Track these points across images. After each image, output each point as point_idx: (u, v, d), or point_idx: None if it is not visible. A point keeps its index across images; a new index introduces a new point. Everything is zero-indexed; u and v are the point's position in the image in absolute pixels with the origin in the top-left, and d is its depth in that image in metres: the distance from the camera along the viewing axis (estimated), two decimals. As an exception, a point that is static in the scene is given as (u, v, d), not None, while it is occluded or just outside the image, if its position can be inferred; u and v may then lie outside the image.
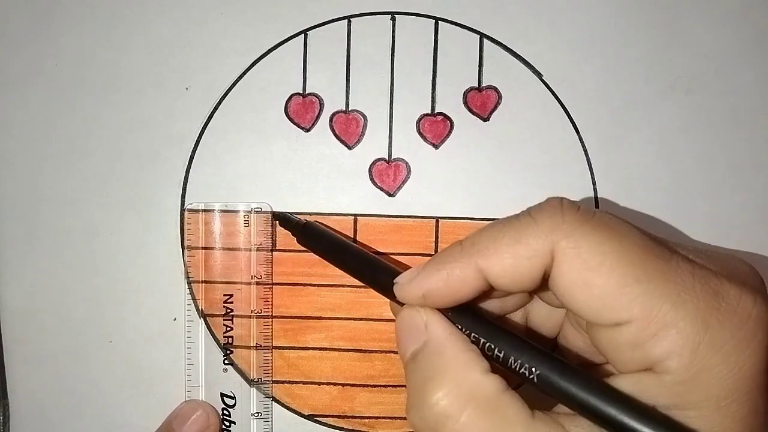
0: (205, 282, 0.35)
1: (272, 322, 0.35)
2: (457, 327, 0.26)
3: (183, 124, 0.35)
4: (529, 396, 0.24)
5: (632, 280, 0.22)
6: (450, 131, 0.34)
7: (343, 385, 0.35)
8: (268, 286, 0.35)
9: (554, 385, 0.23)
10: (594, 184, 0.34)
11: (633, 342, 0.23)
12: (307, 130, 0.35)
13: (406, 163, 0.34)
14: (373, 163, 0.34)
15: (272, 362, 0.35)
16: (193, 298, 0.35)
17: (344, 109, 0.34)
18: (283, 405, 0.35)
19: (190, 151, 0.35)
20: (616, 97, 0.34)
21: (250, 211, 0.34)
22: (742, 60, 0.34)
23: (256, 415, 0.35)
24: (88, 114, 0.35)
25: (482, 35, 0.34)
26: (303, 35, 0.34)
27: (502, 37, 0.34)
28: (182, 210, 0.35)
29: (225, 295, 0.35)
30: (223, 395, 0.35)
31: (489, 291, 0.26)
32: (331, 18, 0.34)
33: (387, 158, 0.34)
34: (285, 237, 0.35)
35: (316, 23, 0.34)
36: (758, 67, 0.34)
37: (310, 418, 0.35)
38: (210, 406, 0.35)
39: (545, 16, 0.34)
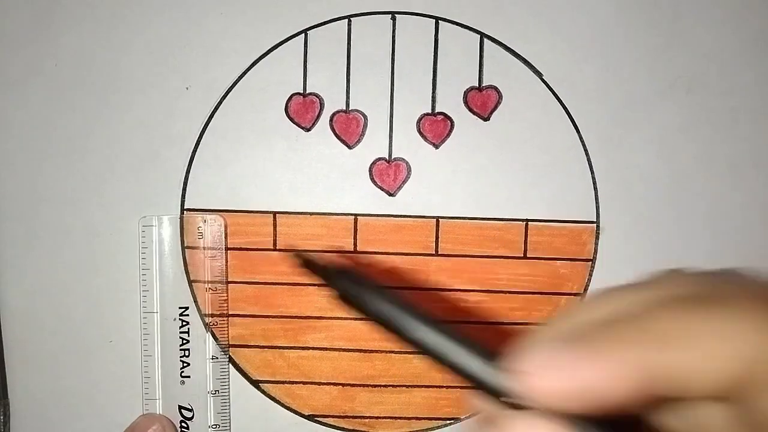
0: (160, 296, 0.35)
1: (228, 333, 0.35)
2: None
3: (183, 124, 0.35)
4: None
5: None
6: (450, 131, 0.34)
7: (343, 385, 0.35)
8: (223, 297, 0.35)
9: None
10: (594, 183, 0.34)
11: None
12: (308, 130, 0.35)
13: (407, 163, 0.34)
14: (374, 163, 0.34)
15: (229, 373, 0.35)
16: (195, 301, 0.35)
17: (344, 108, 0.34)
18: (283, 405, 0.35)
19: (191, 151, 0.35)
20: (616, 96, 0.34)
21: (204, 221, 0.34)
22: (742, 60, 0.34)
23: (214, 427, 0.35)
24: (88, 114, 0.35)
25: (482, 35, 0.34)
26: (303, 35, 0.34)
27: (502, 36, 0.34)
28: (182, 210, 0.35)
29: (180, 308, 0.35)
30: (180, 407, 0.35)
31: (652, 402, 0.19)
32: (331, 18, 0.34)
33: (387, 158, 0.34)
34: (284, 237, 0.35)
35: (316, 23, 0.34)
36: (758, 67, 0.34)
37: (310, 418, 0.35)
38: (167, 419, 0.35)
39: (545, 16, 0.34)
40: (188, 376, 0.35)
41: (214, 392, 0.35)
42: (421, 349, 0.19)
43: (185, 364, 0.35)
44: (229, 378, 0.35)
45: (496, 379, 0.18)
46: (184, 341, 0.35)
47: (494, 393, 0.18)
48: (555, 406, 0.18)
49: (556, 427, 0.18)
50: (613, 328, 0.19)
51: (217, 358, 0.35)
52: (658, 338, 0.18)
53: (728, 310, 0.18)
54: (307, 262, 0.23)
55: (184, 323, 0.35)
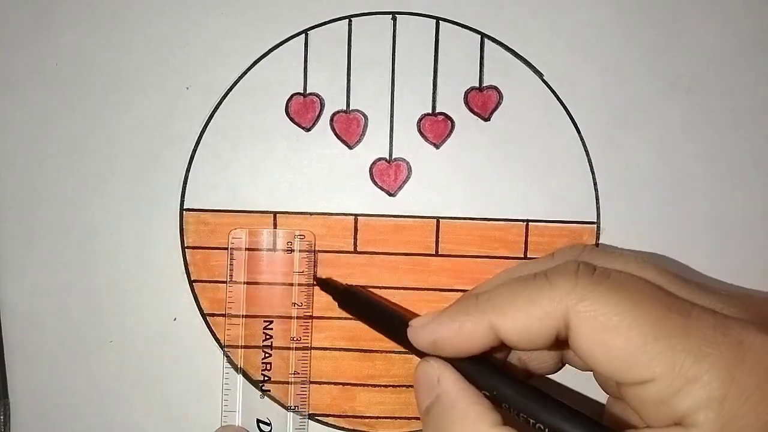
0: (246, 312, 0.35)
1: (311, 351, 0.35)
2: (473, 379, 0.27)
3: (183, 124, 0.35)
4: None
5: (651, 339, 0.23)
6: (451, 131, 0.34)
7: (343, 384, 0.35)
8: (308, 316, 0.35)
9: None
10: (595, 184, 0.34)
11: (658, 399, 0.23)
12: (308, 130, 0.35)
13: (407, 163, 0.34)
14: (374, 163, 0.34)
15: (309, 391, 0.35)
16: (196, 299, 0.35)
17: (345, 108, 0.34)
18: (283, 405, 0.35)
19: (191, 151, 0.35)
20: (617, 96, 0.34)
21: (293, 240, 0.34)
22: (742, 60, 0.34)
23: None
24: (88, 114, 0.35)
25: (483, 35, 0.34)
26: (303, 35, 0.34)
27: (503, 36, 0.34)
28: (182, 210, 0.35)
29: (265, 321, 0.35)
30: (259, 421, 0.35)
31: (501, 346, 0.27)
32: (331, 18, 0.34)
33: (388, 158, 0.34)
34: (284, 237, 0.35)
35: (316, 23, 0.34)
36: (758, 67, 0.34)
37: (310, 417, 0.35)
38: (245, 431, 0.35)
39: (546, 16, 0.34)
40: (268, 390, 0.35)
41: (293, 407, 0.35)
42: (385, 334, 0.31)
43: (266, 378, 0.35)
44: (309, 394, 0.35)
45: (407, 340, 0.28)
46: (267, 355, 0.35)
47: (412, 350, 0.29)
48: (440, 353, 0.27)
49: (440, 364, 0.27)
50: (473, 298, 0.27)
51: (298, 373, 0.35)
52: (496, 306, 0.26)
53: (545, 283, 0.25)
54: (323, 284, 0.34)
55: (267, 336, 0.35)
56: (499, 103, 0.34)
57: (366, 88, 0.34)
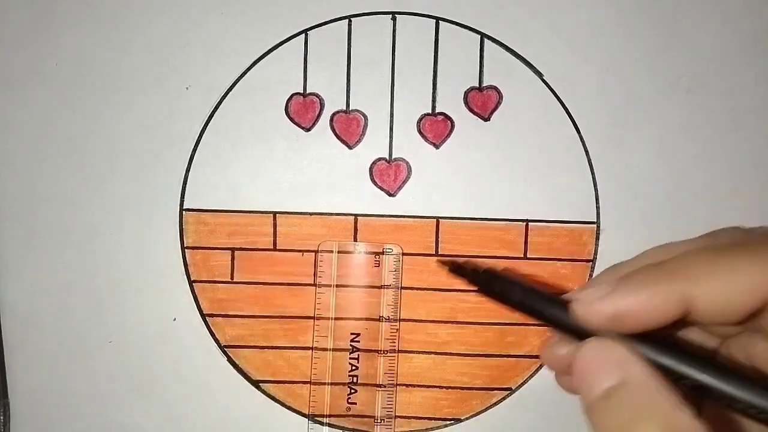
0: (336, 318, 0.35)
1: (397, 360, 0.35)
2: (658, 360, 0.23)
3: (183, 124, 0.35)
4: None
5: None
6: (451, 131, 0.34)
7: (343, 384, 0.35)
8: (396, 325, 0.35)
9: None
10: (595, 183, 0.34)
11: None
12: (308, 130, 0.35)
13: (407, 163, 0.34)
14: (374, 163, 0.34)
15: (395, 400, 0.35)
16: (196, 299, 0.35)
17: (345, 108, 0.34)
18: (283, 405, 0.35)
19: (191, 151, 0.35)
20: (617, 96, 0.34)
21: (381, 252, 0.34)
22: (742, 60, 0.34)
23: None
24: (88, 114, 0.35)
25: (483, 35, 0.34)
26: (303, 35, 0.34)
27: (503, 36, 0.34)
28: (182, 210, 0.35)
29: (352, 333, 0.35)
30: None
31: (682, 321, 0.24)
32: (331, 18, 0.34)
33: (387, 158, 0.34)
34: (284, 237, 0.35)
35: (316, 23, 0.34)
36: (758, 67, 0.34)
37: (310, 417, 0.35)
38: None
39: (546, 16, 0.34)
40: (354, 403, 0.35)
41: (380, 420, 0.35)
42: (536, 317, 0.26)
43: (353, 390, 0.35)
44: (395, 405, 0.35)
45: (571, 320, 0.24)
46: (353, 368, 0.35)
47: (571, 331, 0.24)
48: (618, 329, 0.23)
49: (622, 342, 0.23)
50: (658, 267, 0.24)
51: (384, 386, 0.35)
52: (691, 275, 0.23)
53: (747, 252, 0.23)
54: (457, 268, 0.29)
55: (354, 349, 0.35)
56: (499, 103, 0.34)
57: (366, 88, 0.34)
